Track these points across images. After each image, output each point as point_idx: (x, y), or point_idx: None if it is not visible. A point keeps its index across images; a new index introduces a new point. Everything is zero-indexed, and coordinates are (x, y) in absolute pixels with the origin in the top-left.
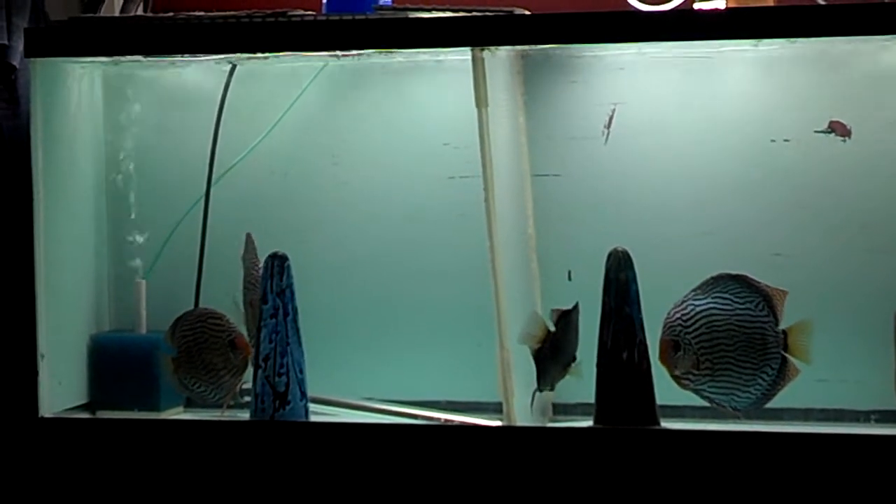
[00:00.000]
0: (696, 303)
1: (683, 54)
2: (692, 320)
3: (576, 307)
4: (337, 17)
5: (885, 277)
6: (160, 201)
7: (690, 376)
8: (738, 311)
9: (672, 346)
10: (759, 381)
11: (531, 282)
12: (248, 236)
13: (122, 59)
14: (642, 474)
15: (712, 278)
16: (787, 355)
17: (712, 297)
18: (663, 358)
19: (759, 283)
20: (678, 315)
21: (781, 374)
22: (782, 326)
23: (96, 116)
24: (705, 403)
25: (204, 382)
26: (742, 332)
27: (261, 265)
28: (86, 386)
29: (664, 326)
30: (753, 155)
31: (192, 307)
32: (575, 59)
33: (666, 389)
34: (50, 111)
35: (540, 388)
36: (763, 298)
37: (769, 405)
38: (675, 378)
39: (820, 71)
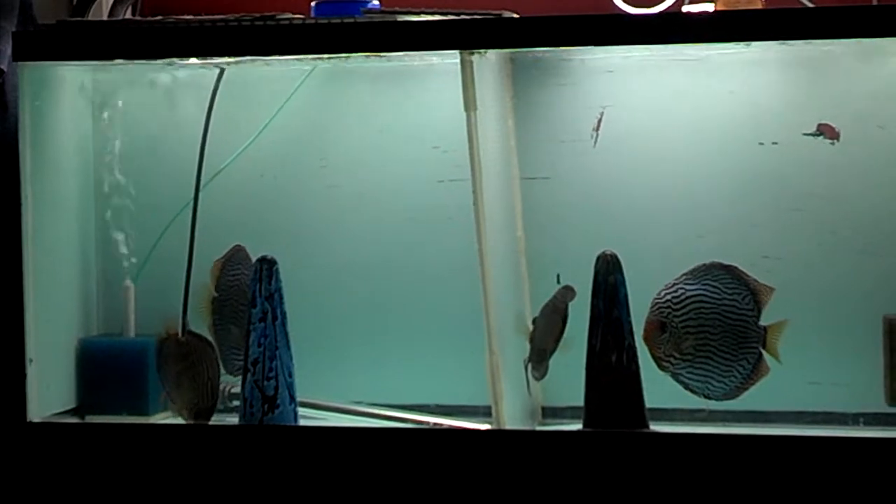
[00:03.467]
0: (687, 287)
1: (672, 57)
2: (682, 304)
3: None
4: (325, 21)
5: (875, 280)
6: (149, 205)
7: (672, 359)
8: (726, 302)
9: (658, 327)
10: (735, 373)
11: (520, 285)
12: (239, 248)
13: (111, 62)
14: (632, 478)
15: (704, 266)
16: (763, 351)
17: (702, 284)
18: (647, 337)
19: (748, 276)
20: (668, 297)
21: (755, 369)
22: (762, 323)
23: (85, 120)
24: (695, 406)
25: (169, 388)
26: (727, 323)
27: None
28: (74, 390)
29: (652, 306)
30: (742, 158)
31: (180, 312)
32: (564, 62)
33: (655, 392)
34: (38, 115)
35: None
36: (750, 292)
37: (761, 408)
38: (656, 359)
39: (808, 73)
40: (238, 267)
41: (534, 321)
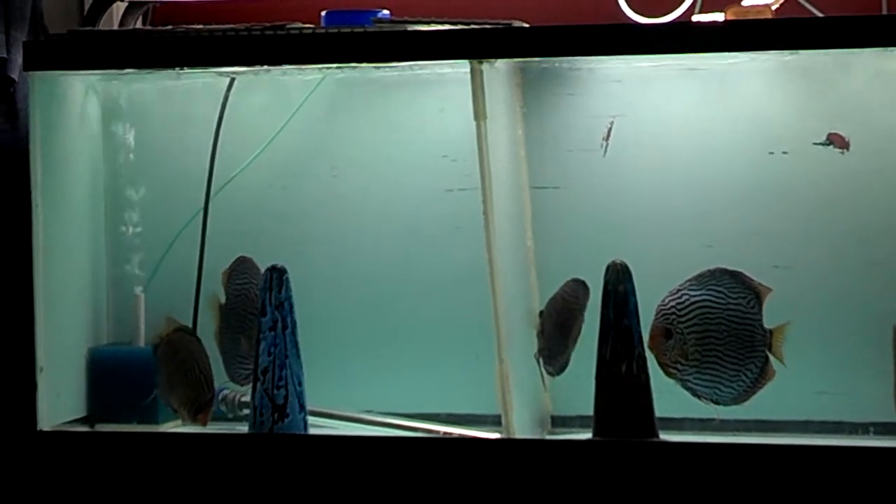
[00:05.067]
0: (692, 293)
1: (682, 66)
2: (686, 310)
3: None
4: (336, 30)
5: (884, 289)
6: (159, 214)
7: (678, 366)
8: (731, 306)
9: (664, 334)
10: (743, 377)
11: (530, 294)
12: (244, 259)
13: (121, 72)
14: (641, 487)
15: (709, 271)
16: (770, 355)
17: (707, 290)
18: (653, 344)
19: (752, 280)
20: (673, 303)
21: (763, 373)
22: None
23: (95, 130)
24: (704, 416)
25: (161, 389)
26: (732, 327)
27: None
28: (84, 399)
29: (657, 313)
30: (752, 167)
31: (190, 321)
32: (573, 72)
33: (665, 402)
34: (48, 124)
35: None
36: (755, 296)
37: (771, 417)
38: (663, 366)
39: (818, 83)
40: (244, 276)
41: (540, 314)
